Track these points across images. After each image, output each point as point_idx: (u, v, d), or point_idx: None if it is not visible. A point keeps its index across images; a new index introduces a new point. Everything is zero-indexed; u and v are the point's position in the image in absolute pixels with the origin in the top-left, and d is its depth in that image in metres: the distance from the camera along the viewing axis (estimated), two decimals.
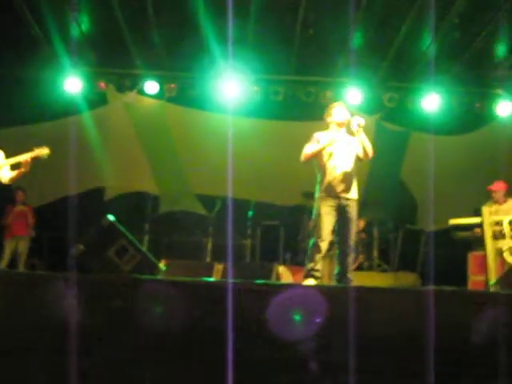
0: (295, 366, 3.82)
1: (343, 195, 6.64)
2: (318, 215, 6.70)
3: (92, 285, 4.36)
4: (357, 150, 6.74)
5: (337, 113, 6.87)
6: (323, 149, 6.71)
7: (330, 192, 6.65)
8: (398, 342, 3.97)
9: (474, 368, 3.83)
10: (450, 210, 9.68)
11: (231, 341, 3.63)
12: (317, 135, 6.83)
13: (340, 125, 6.81)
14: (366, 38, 9.95)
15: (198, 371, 3.85)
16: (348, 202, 6.65)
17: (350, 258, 6.68)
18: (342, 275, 6.64)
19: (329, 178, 6.67)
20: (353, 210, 6.67)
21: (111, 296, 4.22)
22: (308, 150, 6.77)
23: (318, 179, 6.80)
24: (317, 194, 6.77)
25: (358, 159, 6.78)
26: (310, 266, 6.64)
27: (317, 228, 6.72)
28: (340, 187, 6.64)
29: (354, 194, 6.71)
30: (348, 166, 6.69)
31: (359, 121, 6.65)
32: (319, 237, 6.63)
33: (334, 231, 6.78)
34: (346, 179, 6.65)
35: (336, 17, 9.25)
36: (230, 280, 4.57)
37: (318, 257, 6.65)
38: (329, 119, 6.91)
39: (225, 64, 10.13)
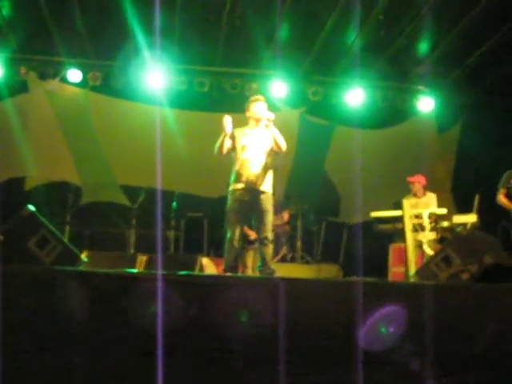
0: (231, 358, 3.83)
1: (256, 188, 6.73)
2: (231, 209, 6.81)
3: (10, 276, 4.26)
4: (271, 144, 6.86)
5: (254, 108, 6.98)
6: (223, 140, 6.84)
7: (242, 185, 6.74)
8: (322, 332, 4.01)
9: (395, 355, 3.90)
10: (373, 203, 9.83)
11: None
12: (234, 132, 6.95)
13: (257, 120, 6.92)
14: (291, 32, 10.02)
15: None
16: (261, 195, 6.74)
17: (269, 249, 6.77)
18: (264, 266, 6.73)
19: (241, 171, 6.78)
20: (266, 202, 6.76)
21: (30, 289, 4.13)
22: (221, 149, 6.89)
23: (232, 172, 6.89)
24: (229, 187, 6.85)
25: (273, 153, 6.89)
26: (227, 259, 6.78)
27: (229, 222, 6.83)
28: (252, 180, 6.73)
29: (267, 186, 6.81)
30: (261, 159, 6.80)
31: (269, 115, 6.79)
32: (232, 231, 6.75)
33: (251, 224, 6.93)
34: (259, 172, 6.76)
35: (263, 9, 9.26)
36: (160, 272, 4.55)
37: (233, 250, 6.76)
38: (247, 114, 7.04)
39: (150, 54, 10.01)
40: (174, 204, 10.51)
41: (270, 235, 6.80)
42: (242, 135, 6.90)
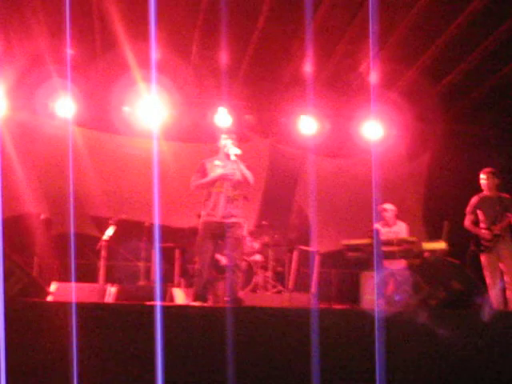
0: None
1: (226, 220, 6.78)
2: (201, 240, 6.85)
3: None
4: (239, 177, 6.97)
5: (223, 142, 7.16)
6: (211, 183, 6.93)
7: (213, 216, 6.80)
8: (284, 359, 4.00)
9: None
10: (344, 231, 9.86)
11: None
12: (204, 163, 7.07)
13: (227, 155, 7.07)
14: None
15: None
16: (231, 225, 6.78)
17: (238, 278, 6.79)
18: (232, 296, 6.72)
19: (212, 203, 6.86)
20: (236, 232, 6.83)
21: None
22: (196, 182, 7.08)
23: (204, 203, 6.96)
24: (201, 219, 6.93)
25: (242, 185, 6.98)
26: (196, 289, 6.86)
27: (199, 252, 6.89)
28: (222, 211, 6.83)
29: (237, 217, 6.86)
30: (230, 191, 6.92)
31: (235, 151, 6.99)
32: (201, 260, 6.80)
33: (222, 253, 6.99)
34: (228, 203, 6.89)
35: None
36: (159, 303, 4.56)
37: (203, 279, 6.78)
38: (218, 144, 7.21)
39: None
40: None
41: (240, 263, 6.84)
42: (212, 167, 7.01)
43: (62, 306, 4.41)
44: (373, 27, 8.42)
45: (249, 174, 6.98)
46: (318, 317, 4.74)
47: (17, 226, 10.40)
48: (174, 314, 4.65)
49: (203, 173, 7.09)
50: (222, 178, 6.97)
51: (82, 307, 4.63)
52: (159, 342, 3.96)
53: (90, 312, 4.59)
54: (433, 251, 8.06)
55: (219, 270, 8.57)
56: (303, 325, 4.41)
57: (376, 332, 4.37)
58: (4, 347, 3.85)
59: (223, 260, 7.53)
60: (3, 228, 10.25)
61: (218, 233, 6.84)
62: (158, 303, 4.95)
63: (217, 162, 7.09)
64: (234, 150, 7.01)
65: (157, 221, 8.68)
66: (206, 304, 6.73)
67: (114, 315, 4.57)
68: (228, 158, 7.04)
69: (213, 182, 6.98)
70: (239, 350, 4.15)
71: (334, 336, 4.49)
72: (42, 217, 11.04)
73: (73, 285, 7.59)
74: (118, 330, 4.30)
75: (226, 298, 6.92)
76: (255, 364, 3.86)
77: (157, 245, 9.49)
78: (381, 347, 4.32)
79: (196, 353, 4.07)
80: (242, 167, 6.98)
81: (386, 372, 4.14)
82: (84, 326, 4.26)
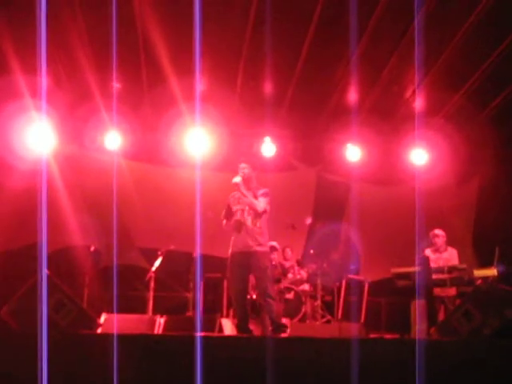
0: None
1: (249, 249, 6.76)
2: (229, 273, 6.94)
3: None
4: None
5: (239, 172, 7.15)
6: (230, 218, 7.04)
7: (236, 248, 6.80)
8: None
9: None
10: (393, 259, 9.74)
11: None
12: (228, 198, 7.20)
13: (236, 185, 7.04)
14: None
15: None
16: (255, 254, 6.75)
17: (273, 307, 6.73)
18: (273, 325, 6.69)
19: (234, 234, 6.87)
20: (260, 261, 6.79)
21: None
22: (224, 222, 7.19)
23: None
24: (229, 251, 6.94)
25: (259, 213, 6.98)
26: (237, 321, 6.91)
27: (229, 285, 6.96)
28: (244, 242, 6.80)
29: (261, 246, 6.84)
30: (249, 221, 6.91)
31: (235, 179, 7.01)
32: (233, 293, 6.85)
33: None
34: (249, 234, 6.85)
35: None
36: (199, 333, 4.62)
37: (239, 313, 6.78)
38: None
39: None
40: None
41: (272, 292, 6.81)
42: (233, 200, 7.03)
43: (111, 338, 4.42)
44: (418, 53, 8.39)
45: (253, 202, 6.94)
46: (368, 347, 4.67)
47: (67, 257, 10.53)
48: (218, 344, 4.64)
49: (227, 208, 7.17)
50: (241, 210, 7.00)
51: (130, 338, 4.65)
52: (199, 372, 3.96)
53: (139, 343, 4.60)
54: (484, 278, 7.90)
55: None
56: (353, 355, 4.34)
57: (427, 362, 4.29)
58: (47, 379, 3.88)
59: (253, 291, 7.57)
60: (52, 260, 10.43)
61: (244, 263, 6.83)
62: (198, 334, 4.93)
63: (236, 195, 7.09)
64: (234, 179, 7.02)
65: (199, 251, 8.71)
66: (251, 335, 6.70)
67: (162, 346, 4.57)
68: (238, 190, 7.02)
69: (233, 213, 7.07)
70: (288, 382, 4.11)
71: (384, 366, 4.41)
72: (92, 249, 11.15)
73: (115, 316, 7.60)
74: (165, 360, 4.29)
75: (269, 328, 6.90)
76: None
77: (198, 275, 9.51)
78: (432, 378, 4.23)
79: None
80: (244, 195, 6.97)
81: None
82: (133, 356, 4.27)
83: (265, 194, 7.02)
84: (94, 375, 4.12)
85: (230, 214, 7.09)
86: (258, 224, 6.91)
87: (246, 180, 7.04)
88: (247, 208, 6.94)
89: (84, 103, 10.26)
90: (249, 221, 6.92)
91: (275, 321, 6.74)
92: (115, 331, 5.32)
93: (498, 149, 11.48)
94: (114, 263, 9.77)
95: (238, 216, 6.99)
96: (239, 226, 6.92)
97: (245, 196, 6.92)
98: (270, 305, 6.74)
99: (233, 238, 6.98)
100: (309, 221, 11.29)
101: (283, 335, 6.61)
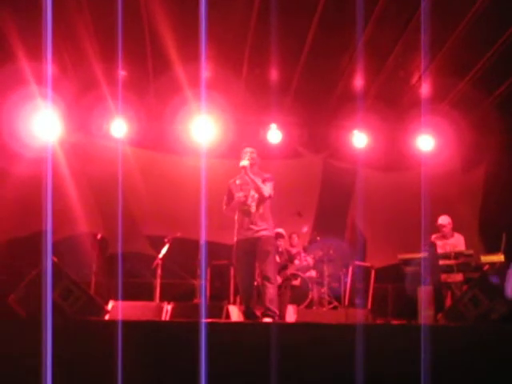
0: None
1: (253, 235, 6.76)
2: (235, 259, 6.95)
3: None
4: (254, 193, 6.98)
5: (242, 157, 7.07)
6: (237, 205, 6.96)
7: (241, 236, 6.80)
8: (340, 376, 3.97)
9: None
10: (400, 245, 9.75)
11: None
12: (229, 184, 7.15)
13: (244, 168, 6.97)
14: None
15: None
16: (259, 239, 6.77)
17: (268, 289, 6.70)
18: (265, 309, 6.66)
19: (238, 220, 6.87)
20: (264, 245, 6.76)
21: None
22: (224, 208, 7.13)
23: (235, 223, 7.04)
24: (234, 238, 6.92)
25: (265, 198, 6.93)
26: (243, 307, 6.93)
27: (235, 271, 6.96)
28: (248, 229, 6.82)
29: (265, 231, 6.85)
30: (253, 207, 6.88)
31: (242, 163, 6.93)
32: (239, 280, 6.88)
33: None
34: (253, 220, 6.84)
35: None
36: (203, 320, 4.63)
37: (245, 298, 6.81)
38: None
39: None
40: None
41: (271, 275, 6.78)
42: (235, 187, 7.02)
43: (118, 324, 4.44)
44: (423, 40, 8.36)
45: (261, 186, 6.89)
46: (375, 333, 4.69)
47: (74, 245, 10.57)
48: (224, 330, 4.66)
49: (229, 194, 7.11)
50: (244, 196, 6.96)
51: (138, 325, 4.68)
52: (204, 357, 3.98)
53: (146, 329, 4.62)
54: (492, 264, 7.90)
55: None
56: (359, 341, 4.36)
57: (434, 347, 4.30)
58: (51, 365, 3.91)
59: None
60: (59, 247, 10.48)
61: (250, 249, 6.82)
62: (203, 320, 4.94)
63: (238, 182, 7.07)
64: (241, 162, 6.95)
65: (204, 238, 8.70)
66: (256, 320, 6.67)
67: (169, 332, 4.59)
68: (246, 174, 6.97)
69: (236, 204, 7.00)
70: (294, 368, 4.13)
71: (390, 352, 4.42)
72: (99, 236, 11.18)
73: (120, 303, 7.65)
74: (172, 346, 4.31)
75: (257, 312, 6.84)
76: (310, 381, 3.84)
77: (203, 262, 9.52)
78: (439, 363, 4.24)
79: (247, 370, 4.06)
80: (252, 179, 6.90)
81: None
82: (140, 343, 4.29)
83: (270, 179, 6.99)
84: (102, 361, 4.14)
85: (231, 200, 7.06)
86: (261, 210, 6.89)
87: (252, 165, 7.01)
88: (251, 194, 6.92)
89: (90, 91, 10.26)
90: (253, 207, 6.88)
91: (265, 304, 6.68)
92: (125, 317, 5.36)
93: (503, 135, 11.46)
94: (120, 251, 9.79)
95: (241, 202, 6.95)
96: (243, 212, 6.91)
97: (252, 180, 6.87)
98: (265, 287, 6.70)
99: (236, 225, 6.97)
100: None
101: (272, 321, 6.52)
